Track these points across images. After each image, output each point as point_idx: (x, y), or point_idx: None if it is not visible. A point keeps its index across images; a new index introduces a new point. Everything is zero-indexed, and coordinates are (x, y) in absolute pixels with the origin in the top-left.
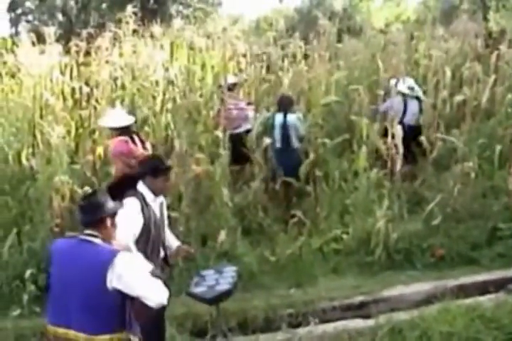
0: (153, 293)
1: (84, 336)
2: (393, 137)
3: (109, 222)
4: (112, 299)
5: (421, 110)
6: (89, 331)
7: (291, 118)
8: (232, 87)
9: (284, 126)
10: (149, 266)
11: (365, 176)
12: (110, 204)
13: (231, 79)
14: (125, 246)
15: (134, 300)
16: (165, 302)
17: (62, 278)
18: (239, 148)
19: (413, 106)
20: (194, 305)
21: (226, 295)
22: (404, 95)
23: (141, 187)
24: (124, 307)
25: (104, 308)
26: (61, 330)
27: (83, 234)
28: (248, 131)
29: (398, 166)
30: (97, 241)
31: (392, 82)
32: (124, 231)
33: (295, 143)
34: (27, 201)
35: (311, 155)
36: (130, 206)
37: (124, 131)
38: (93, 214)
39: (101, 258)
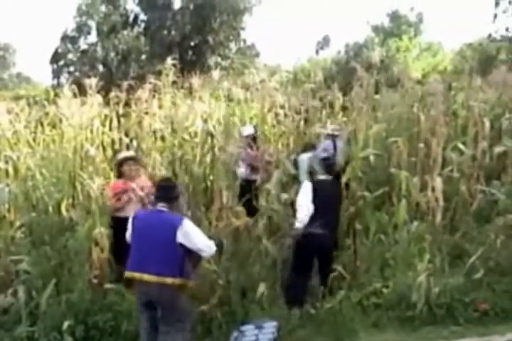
0: (207, 247)
1: (155, 278)
2: (433, 190)
3: (176, 200)
4: (178, 251)
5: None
6: (161, 274)
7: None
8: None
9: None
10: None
11: (406, 229)
12: (179, 188)
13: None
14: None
15: (192, 254)
16: (213, 253)
17: (146, 235)
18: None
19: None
20: None
21: None
22: (333, 136)
23: None
24: (184, 259)
25: (173, 257)
26: (137, 274)
27: (158, 206)
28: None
29: (438, 219)
30: (167, 211)
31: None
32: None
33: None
34: (66, 252)
35: (351, 209)
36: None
37: None
38: (168, 193)
39: (173, 221)
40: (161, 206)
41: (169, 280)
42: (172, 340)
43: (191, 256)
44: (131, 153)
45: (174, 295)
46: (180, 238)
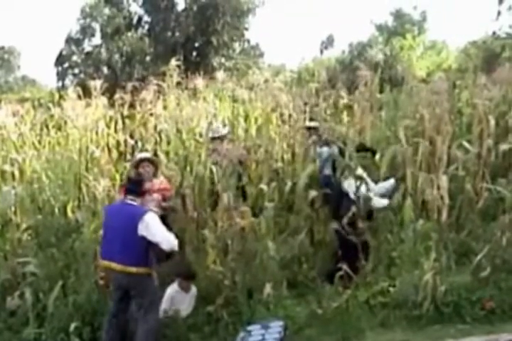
0: (167, 240)
1: (120, 267)
2: (439, 188)
3: (145, 194)
4: (140, 243)
5: None
6: (125, 263)
7: None
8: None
9: None
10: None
11: (411, 228)
12: (148, 184)
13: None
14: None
15: (155, 245)
16: (175, 248)
17: (112, 226)
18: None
19: None
20: None
21: None
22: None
23: None
24: (148, 249)
25: (136, 248)
26: (106, 262)
27: (127, 199)
28: None
29: (444, 217)
30: (135, 203)
31: None
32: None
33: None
34: (72, 254)
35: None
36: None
37: None
38: (138, 187)
39: (136, 213)
40: (130, 199)
41: (133, 269)
42: (145, 322)
43: (156, 247)
44: (147, 154)
45: (141, 282)
46: (141, 230)
